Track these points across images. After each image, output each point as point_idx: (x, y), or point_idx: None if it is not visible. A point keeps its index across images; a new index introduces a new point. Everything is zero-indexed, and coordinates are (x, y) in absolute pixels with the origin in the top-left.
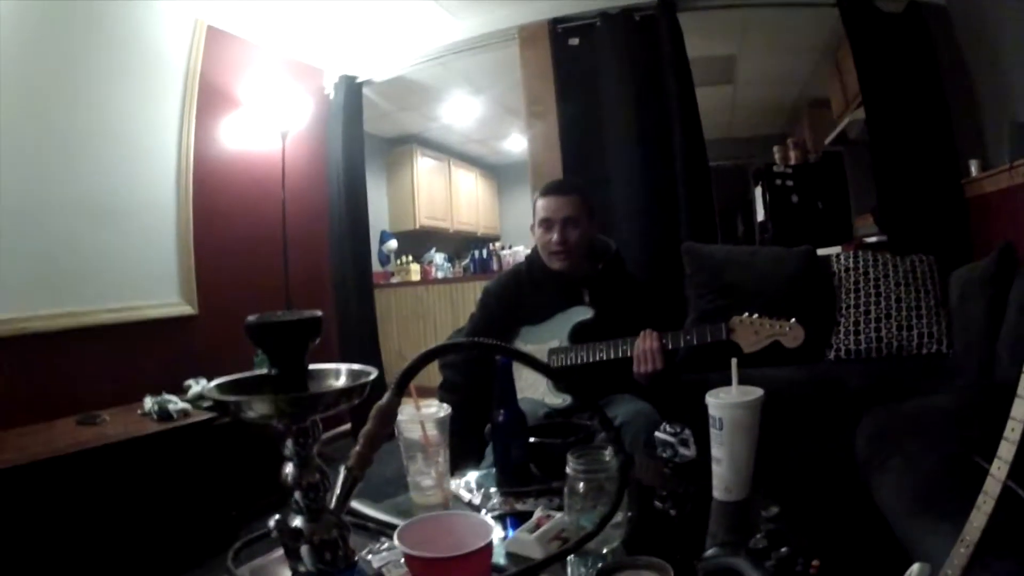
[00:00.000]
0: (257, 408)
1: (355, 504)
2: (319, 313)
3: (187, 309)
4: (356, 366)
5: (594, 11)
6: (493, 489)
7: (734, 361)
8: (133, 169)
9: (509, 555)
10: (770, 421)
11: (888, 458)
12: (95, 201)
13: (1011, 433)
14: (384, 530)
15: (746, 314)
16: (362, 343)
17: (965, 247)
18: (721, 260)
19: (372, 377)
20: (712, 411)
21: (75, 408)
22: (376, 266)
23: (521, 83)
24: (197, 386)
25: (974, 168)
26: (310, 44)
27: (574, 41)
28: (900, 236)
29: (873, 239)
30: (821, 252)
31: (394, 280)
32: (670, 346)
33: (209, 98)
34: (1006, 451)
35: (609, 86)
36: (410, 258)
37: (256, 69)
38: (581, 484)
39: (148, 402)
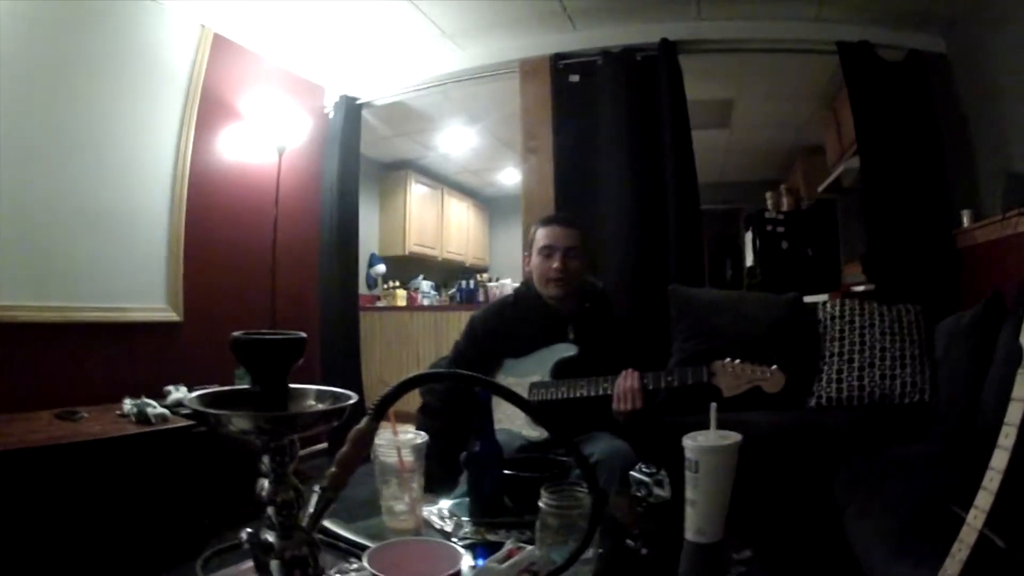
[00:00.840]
0: (237, 423)
1: (327, 523)
2: (304, 335)
3: (172, 315)
4: (336, 389)
5: (596, 49)
6: (465, 518)
7: (713, 405)
8: (129, 173)
9: None
10: (749, 465)
11: (867, 502)
12: (88, 203)
13: (989, 483)
14: (354, 551)
15: (728, 359)
16: (344, 365)
17: (953, 297)
18: (707, 304)
19: (352, 402)
20: (688, 453)
21: (55, 402)
22: (363, 289)
23: (519, 116)
24: (177, 392)
25: (966, 218)
26: (314, 61)
27: (574, 78)
28: (888, 285)
29: (860, 288)
30: (808, 299)
31: (380, 304)
32: (651, 386)
33: (210, 107)
34: (983, 500)
35: (606, 124)
36: (397, 283)
37: (258, 81)
38: (553, 519)
39: (127, 404)
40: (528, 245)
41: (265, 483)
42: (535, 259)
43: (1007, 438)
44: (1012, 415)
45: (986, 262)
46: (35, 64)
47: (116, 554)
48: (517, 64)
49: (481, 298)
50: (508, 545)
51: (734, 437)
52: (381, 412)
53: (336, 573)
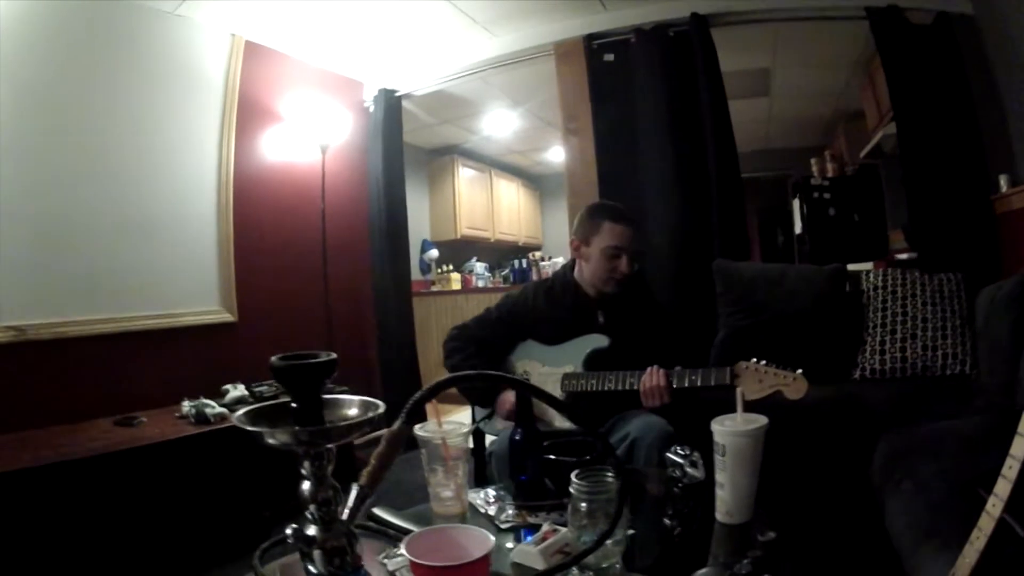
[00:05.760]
0: (279, 438)
1: (377, 511)
2: (334, 356)
3: (227, 317)
4: (368, 399)
5: (628, 27)
6: (509, 502)
7: (739, 390)
8: (174, 184)
9: (515, 565)
10: (788, 441)
11: (900, 482)
12: (137, 215)
13: (1008, 471)
14: (402, 536)
15: (753, 360)
16: (400, 351)
17: (995, 264)
18: (751, 278)
19: (380, 411)
20: (716, 438)
21: (114, 409)
22: (417, 275)
23: (558, 99)
24: (235, 391)
25: (1004, 183)
26: (350, 58)
27: (609, 57)
28: (930, 253)
29: (904, 256)
30: (855, 267)
31: (435, 289)
32: (675, 384)
33: (249, 112)
34: (1003, 489)
35: (644, 102)
36: (451, 267)
37: (295, 82)
38: (583, 503)
39: (186, 405)
40: (584, 232)
41: (307, 484)
42: (598, 255)
43: None
44: None
45: None
46: (76, 87)
47: (180, 548)
48: (551, 47)
49: (534, 277)
50: (544, 527)
51: (760, 421)
52: (413, 414)
53: (384, 558)
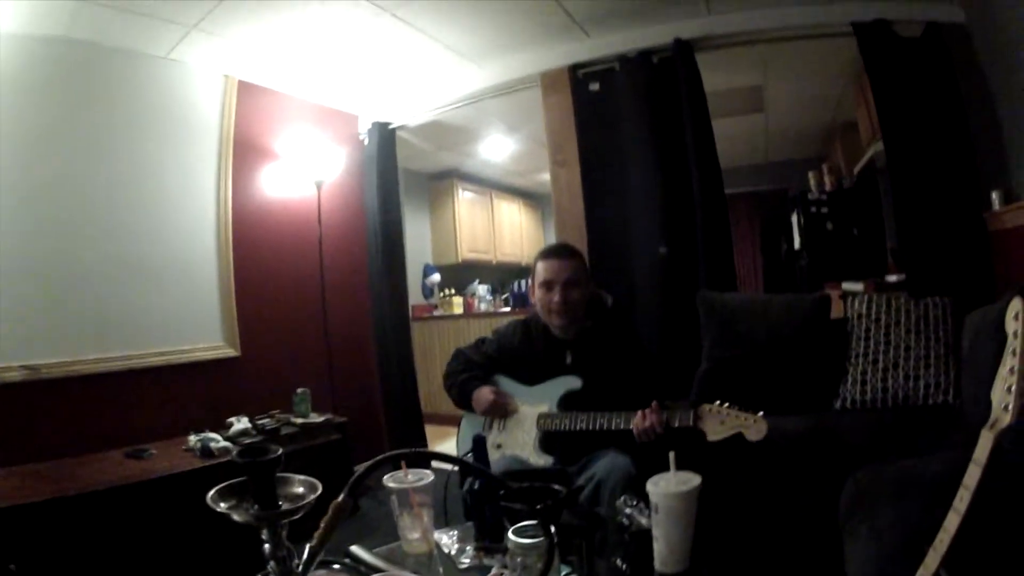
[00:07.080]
0: (240, 516)
1: (354, 549)
2: (280, 452)
3: (230, 351)
4: (310, 479)
5: (612, 55)
6: (471, 543)
7: (672, 454)
8: (175, 224)
9: None
10: (764, 474)
11: (859, 526)
12: (141, 256)
13: (939, 544)
14: (373, 573)
15: (717, 403)
16: (400, 377)
17: (988, 285)
18: (734, 309)
19: (318, 492)
20: (651, 497)
21: (125, 441)
22: (420, 299)
23: (545, 129)
24: (239, 424)
25: (996, 200)
26: (343, 92)
27: (595, 86)
28: (919, 275)
29: (894, 278)
30: (849, 287)
31: (437, 313)
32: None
33: (245, 151)
34: (932, 560)
35: (630, 130)
36: (452, 291)
37: (290, 119)
38: (519, 558)
39: (192, 439)
40: (531, 277)
41: (266, 547)
42: (537, 292)
43: (961, 501)
44: (970, 477)
45: (1019, 247)
46: (77, 134)
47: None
48: (538, 77)
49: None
50: (494, 570)
51: (693, 482)
52: (355, 488)
53: None
